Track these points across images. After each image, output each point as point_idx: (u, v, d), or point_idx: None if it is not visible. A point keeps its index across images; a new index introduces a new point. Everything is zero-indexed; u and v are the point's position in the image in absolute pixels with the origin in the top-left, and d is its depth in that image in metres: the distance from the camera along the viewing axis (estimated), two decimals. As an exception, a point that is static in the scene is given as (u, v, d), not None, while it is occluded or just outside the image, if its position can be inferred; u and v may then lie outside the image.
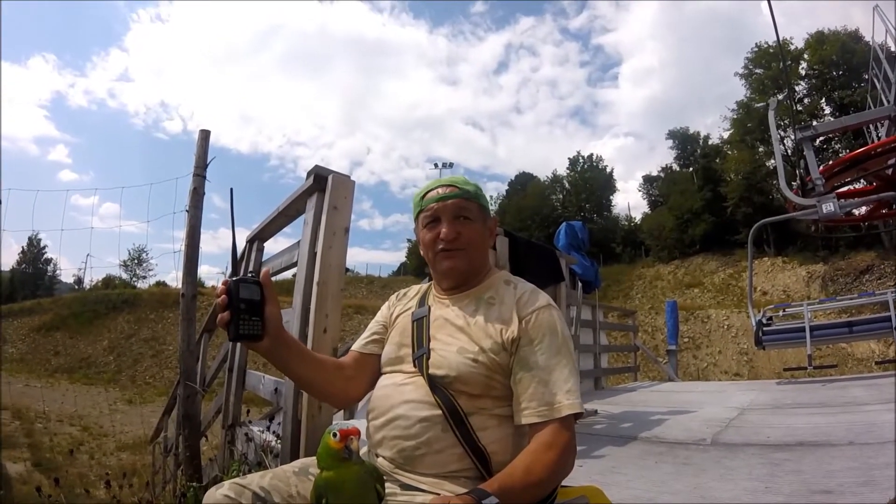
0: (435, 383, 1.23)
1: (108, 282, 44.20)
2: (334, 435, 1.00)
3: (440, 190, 1.38)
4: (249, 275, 1.21)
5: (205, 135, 3.54)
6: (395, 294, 1.57)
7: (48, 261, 50.57)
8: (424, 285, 1.54)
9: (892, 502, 1.83)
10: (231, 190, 1.29)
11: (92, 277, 46.78)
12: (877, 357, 15.77)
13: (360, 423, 1.16)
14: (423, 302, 1.44)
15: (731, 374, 20.15)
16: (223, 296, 1.16)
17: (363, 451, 1.28)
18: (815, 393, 5.52)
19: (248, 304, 1.17)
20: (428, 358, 1.27)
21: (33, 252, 49.83)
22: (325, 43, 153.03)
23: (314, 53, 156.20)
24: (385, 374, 1.37)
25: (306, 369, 1.32)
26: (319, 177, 2.29)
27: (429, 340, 1.31)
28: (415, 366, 1.29)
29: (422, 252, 1.43)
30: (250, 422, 3.23)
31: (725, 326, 23.42)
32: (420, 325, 1.36)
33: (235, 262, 1.26)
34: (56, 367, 27.91)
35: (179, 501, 2.71)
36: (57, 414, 13.80)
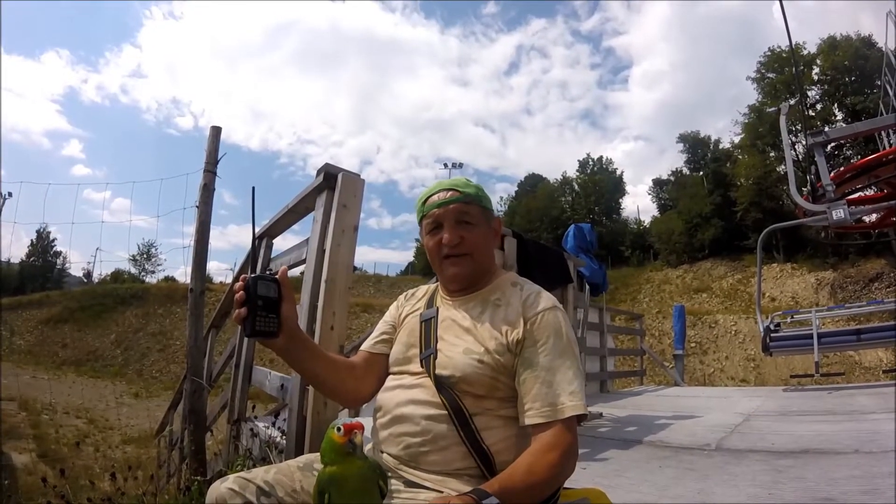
0: (441, 383, 1.23)
1: (117, 276, 44.58)
2: (338, 429, 1.01)
3: (441, 195, 1.37)
4: (268, 272, 1.22)
5: (216, 131, 3.55)
6: (404, 294, 1.58)
7: (57, 253, 50.96)
8: (432, 286, 1.55)
9: None
10: (253, 189, 1.31)
11: (101, 271, 47.17)
12: (884, 366, 15.65)
13: (364, 421, 1.17)
14: (431, 303, 1.45)
15: (738, 380, 20.04)
16: (241, 292, 1.17)
17: (367, 447, 1.29)
18: (822, 400, 5.49)
19: (266, 301, 1.19)
20: (435, 358, 1.28)
21: (42, 244, 50.14)
22: (337, 41, 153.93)
23: (326, 52, 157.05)
24: (393, 374, 1.38)
25: (319, 368, 1.33)
26: (329, 175, 2.30)
27: (436, 341, 1.32)
28: (422, 366, 1.30)
29: (428, 258, 1.44)
30: (255, 417, 3.25)
31: (733, 332, 23.28)
32: (428, 325, 1.37)
33: (255, 259, 1.28)
34: (63, 360, 28.09)
35: (184, 495, 2.73)
36: (63, 406, 13.86)
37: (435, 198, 1.38)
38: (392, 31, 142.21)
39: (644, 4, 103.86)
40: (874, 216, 8.28)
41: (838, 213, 6.49)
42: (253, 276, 1.19)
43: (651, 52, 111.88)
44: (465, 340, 1.29)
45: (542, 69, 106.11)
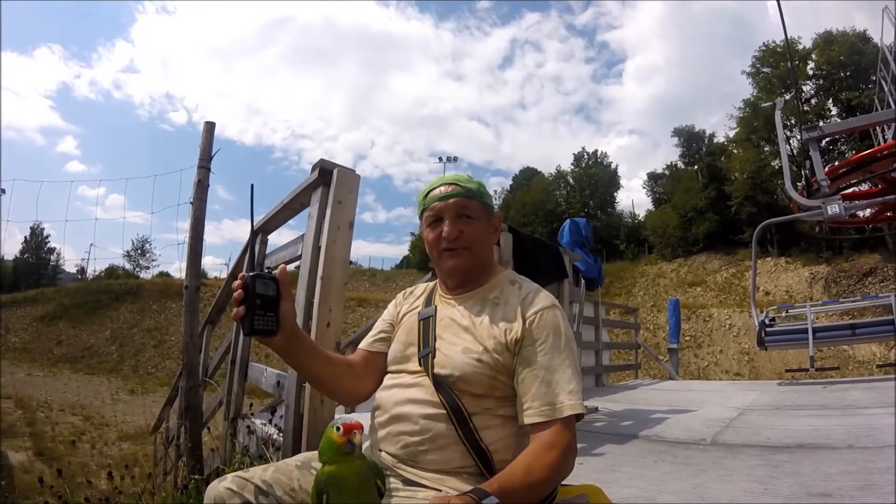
0: (440, 382, 1.23)
1: (112, 272, 44.42)
2: (337, 429, 1.00)
3: (442, 188, 1.38)
4: (266, 270, 1.22)
5: (210, 126, 3.54)
6: (402, 293, 1.58)
7: (51, 250, 50.69)
8: (430, 284, 1.54)
9: None
10: (252, 186, 1.30)
11: (95, 267, 46.96)
12: (878, 360, 15.73)
13: (361, 418, 1.17)
14: (429, 301, 1.45)
15: (732, 374, 20.12)
16: (239, 290, 1.17)
17: (365, 445, 1.29)
18: (816, 395, 5.52)
19: (264, 299, 1.18)
20: (433, 357, 1.28)
21: (36, 241, 49.91)
22: (332, 36, 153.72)
23: (320, 47, 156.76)
24: (391, 373, 1.38)
25: (318, 367, 1.33)
26: (325, 170, 2.29)
27: (434, 340, 1.32)
28: (420, 365, 1.30)
29: (427, 251, 1.44)
30: (252, 414, 3.25)
31: (727, 326, 23.37)
32: (426, 324, 1.37)
33: (253, 259, 1.27)
34: (59, 357, 28.04)
35: (181, 493, 2.72)
36: (59, 403, 13.84)
37: (437, 191, 1.38)
38: (386, 25, 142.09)
39: (638, 0, 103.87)
40: (868, 211, 8.32)
41: (833, 208, 6.49)
42: (251, 274, 1.18)
43: (645, 46, 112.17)
44: (463, 339, 1.29)
45: (536, 63, 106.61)
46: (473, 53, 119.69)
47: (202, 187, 3.43)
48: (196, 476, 2.78)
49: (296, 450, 2.00)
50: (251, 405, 3.32)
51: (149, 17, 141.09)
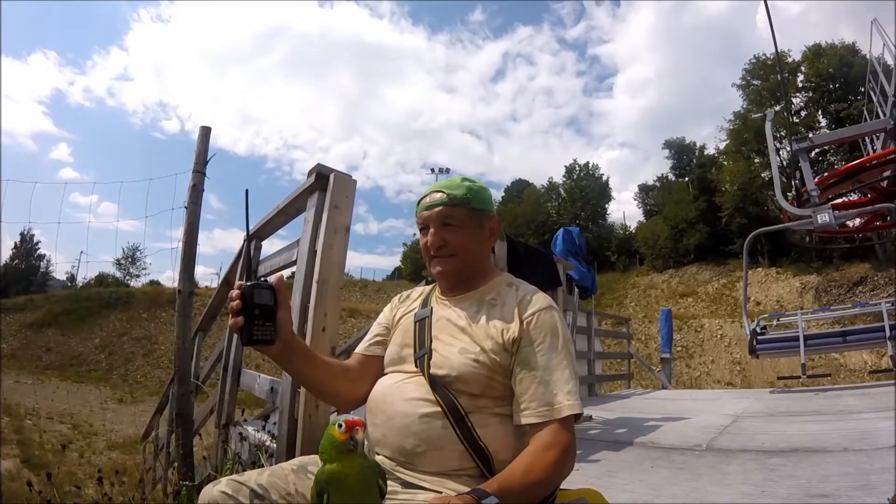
0: (436, 382, 1.23)
1: (102, 279, 44.12)
2: (339, 426, 0.98)
3: (431, 197, 1.38)
4: (262, 280, 1.22)
5: (205, 131, 3.52)
6: (398, 296, 1.58)
7: (41, 257, 50.26)
8: (428, 287, 1.54)
9: (891, 502, 1.83)
10: (246, 192, 1.30)
11: (85, 275, 46.65)
12: (869, 367, 15.81)
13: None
14: (426, 303, 1.45)
15: (724, 384, 20.15)
16: (237, 301, 1.16)
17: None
18: (809, 401, 5.54)
19: (262, 309, 1.18)
20: (429, 358, 1.28)
21: (26, 247, 49.49)
22: (326, 47, 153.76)
23: (314, 57, 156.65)
24: (387, 374, 1.37)
25: (315, 372, 1.33)
26: (321, 175, 2.28)
27: (430, 341, 1.32)
28: (416, 366, 1.30)
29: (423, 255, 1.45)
30: (245, 421, 3.22)
31: (719, 336, 23.44)
32: (422, 325, 1.37)
33: (249, 266, 1.26)
34: (47, 364, 27.73)
35: (173, 499, 2.69)
36: (47, 411, 13.70)
37: (426, 199, 1.39)
38: (380, 37, 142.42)
39: (629, 13, 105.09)
40: (858, 220, 8.39)
41: (823, 218, 6.55)
42: (249, 284, 1.18)
43: (636, 59, 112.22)
44: (460, 340, 1.28)
45: (528, 76, 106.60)
46: (466, 66, 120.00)
47: (197, 192, 3.41)
48: (187, 483, 2.75)
49: (290, 456, 1.97)
50: (243, 412, 3.29)
51: (144, 25, 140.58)
